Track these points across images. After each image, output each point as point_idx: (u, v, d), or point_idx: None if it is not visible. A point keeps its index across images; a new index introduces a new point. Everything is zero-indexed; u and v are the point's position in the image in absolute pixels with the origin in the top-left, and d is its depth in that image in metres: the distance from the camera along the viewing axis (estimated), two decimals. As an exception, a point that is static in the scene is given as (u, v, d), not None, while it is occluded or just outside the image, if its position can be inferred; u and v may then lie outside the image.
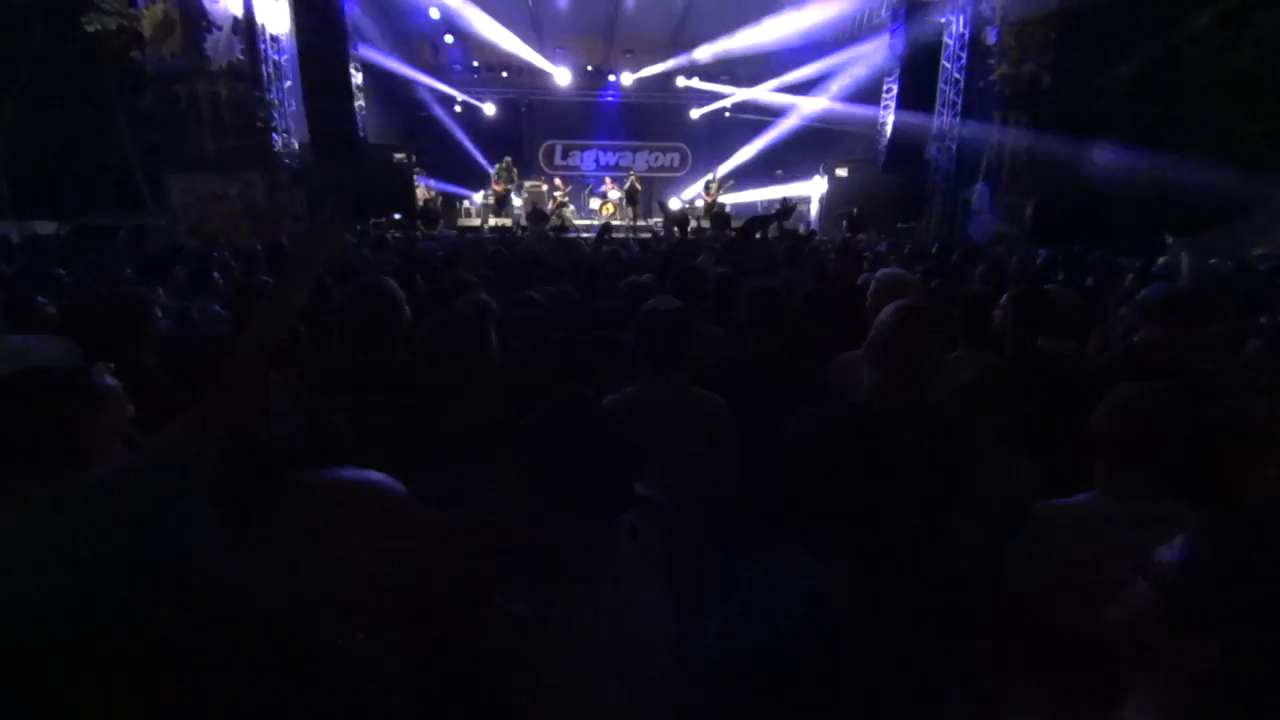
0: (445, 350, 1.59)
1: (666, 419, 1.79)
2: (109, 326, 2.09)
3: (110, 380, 1.25)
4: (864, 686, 0.87)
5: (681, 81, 15.46)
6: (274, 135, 10.71)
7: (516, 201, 14.34)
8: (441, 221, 13.03)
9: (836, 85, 13.97)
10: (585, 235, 10.10)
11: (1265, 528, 0.78)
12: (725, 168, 15.29)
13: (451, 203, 14.71)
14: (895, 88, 12.31)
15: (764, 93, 15.33)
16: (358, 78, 11.80)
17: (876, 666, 0.84)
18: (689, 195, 15.92)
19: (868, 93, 13.19)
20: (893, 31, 12.32)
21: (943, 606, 1.60)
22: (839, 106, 13.91)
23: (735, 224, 13.25)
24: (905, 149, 12.24)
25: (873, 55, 12.90)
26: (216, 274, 4.32)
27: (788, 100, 15.02)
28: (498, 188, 13.94)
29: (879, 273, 2.52)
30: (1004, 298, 2.53)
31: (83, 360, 1.57)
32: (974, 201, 11.40)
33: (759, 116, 15.68)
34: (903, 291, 2.39)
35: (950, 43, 11.60)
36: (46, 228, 9.21)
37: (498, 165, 13.89)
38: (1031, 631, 1.55)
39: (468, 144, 15.14)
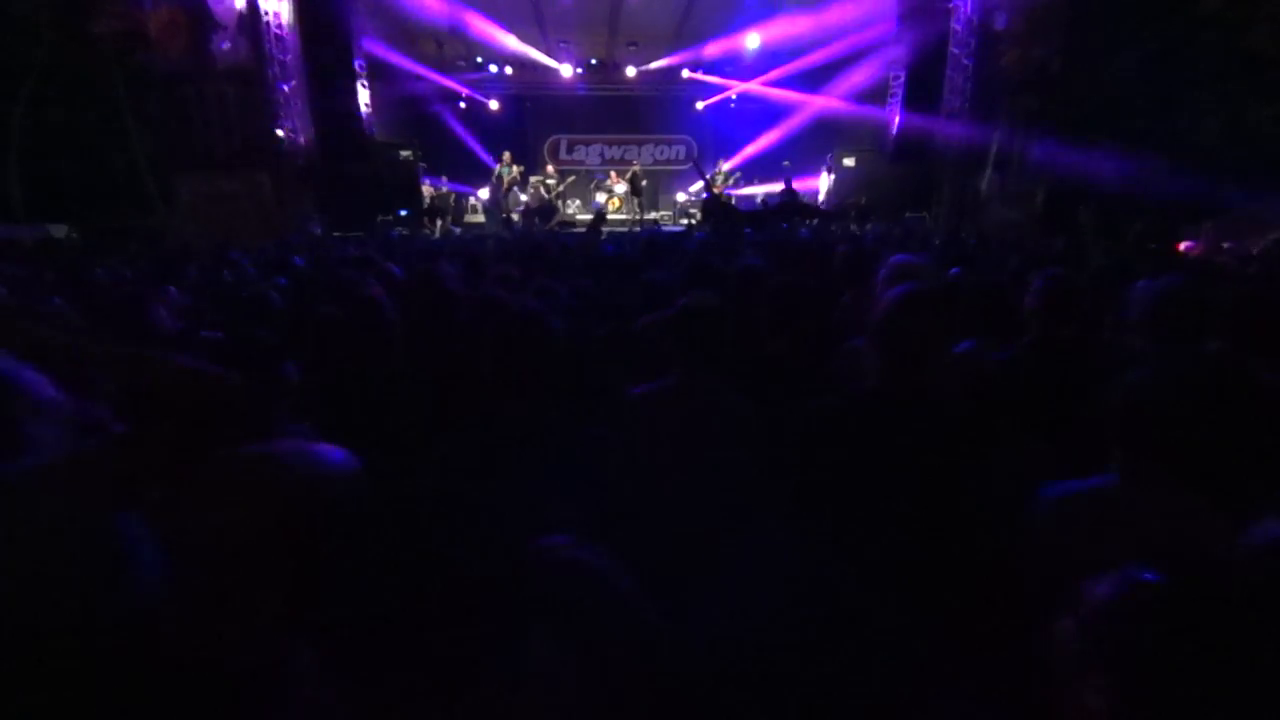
0: (513, 346, 1.52)
1: (695, 417, 1.77)
2: (112, 325, 2.09)
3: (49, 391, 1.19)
4: (865, 671, 0.87)
5: (686, 74, 15.39)
6: (280, 134, 10.74)
7: (522, 196, 14.34)
8: (449, 218, 13.05)
9: (843, 75, 13.86)
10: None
11: (1182, 594, 0.80)
12: (729, 163, 15.22)
13: (459, 199, 14.73)
14: (903, 75, 12.19)
15: (769, 88, 15.25)
16: (363, 76, 11.81)
17: (878, 651, 0.85)
18: (694, 189, 15.86)
19: (875, 81, 13.08)
20: (900, 18, 12.20)
21: (955, 588, 1.58)
22: (846, 102, 13.80)
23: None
24: (913, 138, 12.13)
25: (880, 43, 12.78)
26: (228, 273, 4.35)
27: (794, 95, 14.94)
28: (502, 183, 13.98)
29: (891, 260, 2.49)
30: (1034, 284, 2.47)
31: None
32: (983, 190, 11.29)
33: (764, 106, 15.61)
34: (912, 279, 2.37)
35: (958, 29, 11.47)
36: (60, 231, 9.28)
37: (499, 163, 13.93)
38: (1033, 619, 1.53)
39: (472, 140, 15.14)
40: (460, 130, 15.32)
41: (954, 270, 3.55)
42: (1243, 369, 1.69)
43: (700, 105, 16.42)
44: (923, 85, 11.86)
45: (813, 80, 14.74)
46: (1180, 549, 1.41)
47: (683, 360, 1.84)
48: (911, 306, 1.70)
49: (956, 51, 11.51)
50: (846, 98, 13.79)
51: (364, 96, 11.82)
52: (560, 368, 1.55)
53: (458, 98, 15.24)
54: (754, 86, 15.49)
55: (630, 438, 1.69)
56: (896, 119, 12.40)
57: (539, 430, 1.48)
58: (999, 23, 10.91)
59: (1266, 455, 1.41)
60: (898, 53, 12.27)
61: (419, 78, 14.45)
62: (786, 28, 13.30)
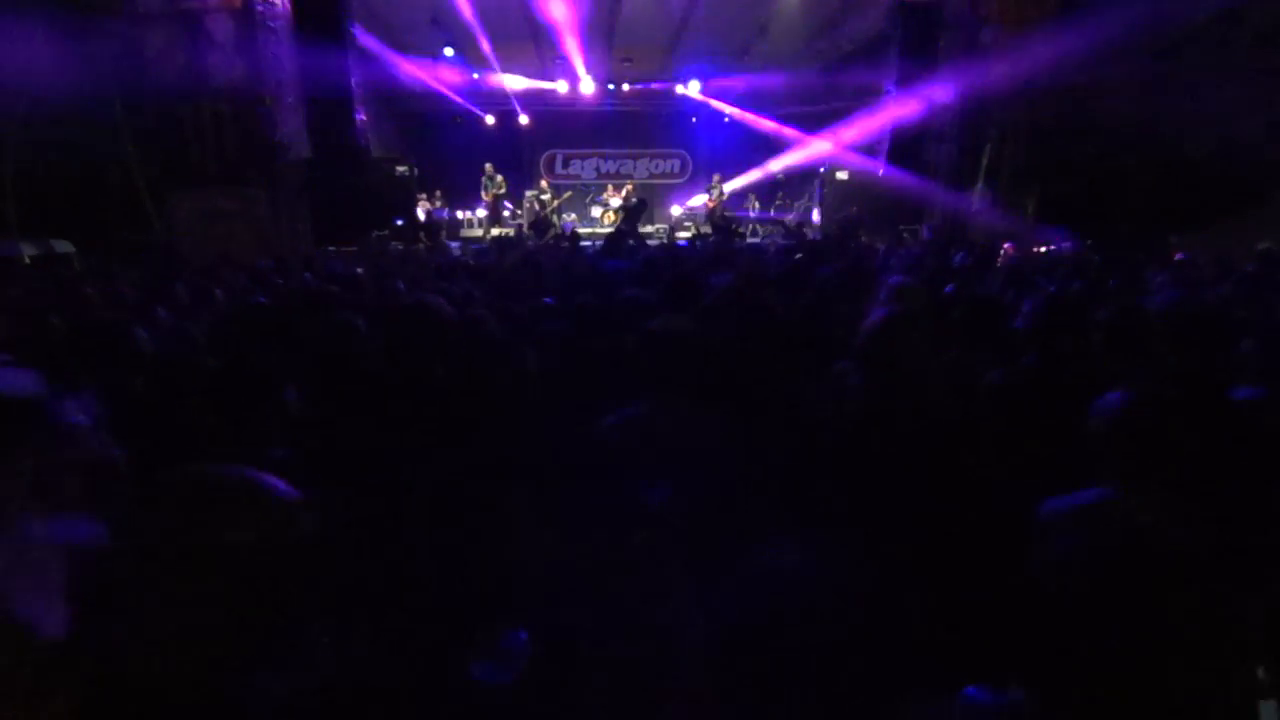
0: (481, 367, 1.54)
1: (672, 442, 1.75)
2: (88, 349, 2.06)
3: (78, 418, 1.18)
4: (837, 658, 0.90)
5: (680, 89, 15.52)
6: (276, 150, 10.78)
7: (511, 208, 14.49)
8: (444, 233, 13.09)
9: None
10: (587, 244, 10.10)
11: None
12: (732, 181, 15.31)
13: (454, 214, 14.81)
14: (893, 89, 12.29)
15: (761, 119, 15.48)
16: (359, 91, 11.87)
17: (850, 642, 0.87)
18: (694, 203, 15.94)
19: (867, 91, 13.17)
20: (890, 32, 12.30)
21: (933, 592, 1.59)
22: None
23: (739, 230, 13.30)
24: (905, 150, 12.20)
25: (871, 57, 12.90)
26: (219, 291, 4.34)
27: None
28: (487, 197, 14.09)
29: (889, 281, 2.51)
30: (1027, 303, 2.46)
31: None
32: (976, 201, 11.36)
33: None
34: (909, 301, 2.38)
35: (948, 44, 11.58)
36: (63, 246, 9.29)
37: (483, 176, 14.04)
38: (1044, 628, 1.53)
39: (469, 156, 15.23)
40: (456, 146, 15.41)
41: (948, 288, 3.55)
42: (1219, 387, 1.71)
43: (695, 119, 16.56)
44: (913, 97, 11.93)
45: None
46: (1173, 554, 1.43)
47: (653, 386, 1.81)
48: (894, 329, 1.71)
49: (946, 66, 11.61)
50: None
51: (360, 113, 11.88)
52: (533, 396, 1.55)
53: (454, 113, 15.35)
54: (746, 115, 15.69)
55: (606, 466, 1.68)
56: (888, 131, 12.46)
57: (516, 458, 1.48)
58: (989, 37, 11.02)
59: (1245, 465, 1.44)
60: (889, 61, 12.36)
61: (415, 94, 14.56)
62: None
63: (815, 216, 13.68)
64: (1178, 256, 6.04)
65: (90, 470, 1.14)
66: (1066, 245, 6.69)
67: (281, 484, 0.89)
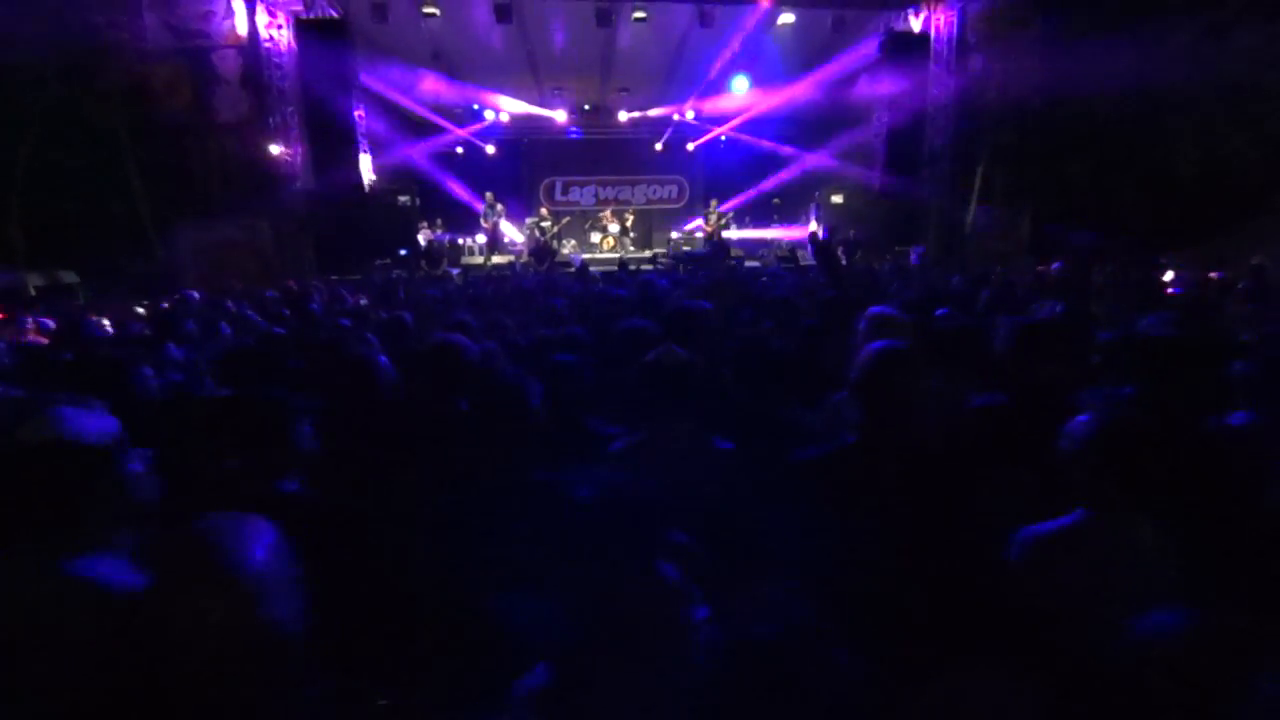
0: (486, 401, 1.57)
1: (677, 468, 1.81)
2: (92, 388, 2.08)
3: (136, 465, 1.26)
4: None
5: (676, 118, 15.79)
6: (280, 182, 10.97)
7: (517, 236, 14.60)
8: (445, 261, 13.22)
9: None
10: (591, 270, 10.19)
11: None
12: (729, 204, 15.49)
13: (455, 242, 14.98)
14: (886, 115, 12.49)
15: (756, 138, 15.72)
16: (361, 124, 12.09)
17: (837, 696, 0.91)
18: (689, 227, 16.09)
19: (859, 115, 13.39)
20: (880, 57, 12.54)
21: (927, 634, 1.62)
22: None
23: (736, 253, 13.45)
24: (900, 173, 12.37)
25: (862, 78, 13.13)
26: (226, 325, 4.41)
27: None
28: (487, 225, 14.32)
29: (869, 312, 2.54)
30: (1002, 329, 2.48)
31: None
32: (970, 222, 11.50)
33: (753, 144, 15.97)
34: (889, 331, 2.42)
35: (938, 69, 11.81)
36: (69, 276, 9.43)
37: (484, 204, 14.29)
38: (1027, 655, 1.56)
39: (469, 184, 15.44)
40: (457, 175, 15.63)
41: (940, 311, 3.59)
42: (1191, 410, 1.76)
43: (691, 146, 16.80)
44: (907, 120, 12.12)
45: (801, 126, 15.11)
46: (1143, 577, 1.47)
47: (653, 414, 1.88)
48: (890, 363, 1.75)
49: (937, 89, 11.83)
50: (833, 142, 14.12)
51: (362, 144, 12.08)
52: (537, 431, 1.60)
53: (454, 143, 15.61)
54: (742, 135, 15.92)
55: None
56: (883, 154, 12.63)
57: (521, 491, 1.52)
58: (977, 62, 11.24)
59: (1211, 488, 1.48)
60: (881, 85, 12.57)
61: (416, 124, 14.81)
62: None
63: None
64: (1168, 277, 6.13)
65: (139, 515, 1.21)
66: (1055, 265, 6.78)
67: (262, 556, 0.91)
